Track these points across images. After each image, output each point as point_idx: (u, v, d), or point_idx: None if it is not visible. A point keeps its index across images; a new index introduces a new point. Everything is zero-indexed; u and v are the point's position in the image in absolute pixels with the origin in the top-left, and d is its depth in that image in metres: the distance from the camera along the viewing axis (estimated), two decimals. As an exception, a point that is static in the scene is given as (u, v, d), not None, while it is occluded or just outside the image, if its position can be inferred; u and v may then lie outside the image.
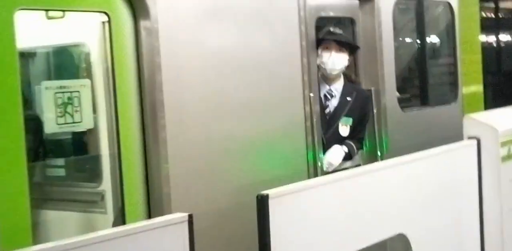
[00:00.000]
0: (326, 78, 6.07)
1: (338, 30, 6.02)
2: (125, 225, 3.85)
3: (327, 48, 5.98)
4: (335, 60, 5.96)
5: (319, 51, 5.94)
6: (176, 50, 4.58)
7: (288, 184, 4.43)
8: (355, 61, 6.41)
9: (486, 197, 5.90)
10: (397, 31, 7.30)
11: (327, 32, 6.00)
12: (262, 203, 3.88)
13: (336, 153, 5.87)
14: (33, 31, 4.56)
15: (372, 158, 6.35)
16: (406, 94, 7.63)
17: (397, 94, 7.34)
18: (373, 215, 4.80)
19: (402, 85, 7.63)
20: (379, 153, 6.36)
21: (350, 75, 6.34)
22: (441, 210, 5.55)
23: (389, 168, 5.11)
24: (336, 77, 6.09)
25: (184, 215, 3.39)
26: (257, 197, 3.90)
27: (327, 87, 6.07)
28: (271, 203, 3.92)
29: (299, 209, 4.18)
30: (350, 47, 6.12)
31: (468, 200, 5.81)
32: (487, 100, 8.61)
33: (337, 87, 6.10)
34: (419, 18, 7.44)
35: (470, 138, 6.00)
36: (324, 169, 5.75)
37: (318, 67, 5.93)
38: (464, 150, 5.93)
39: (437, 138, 6.72)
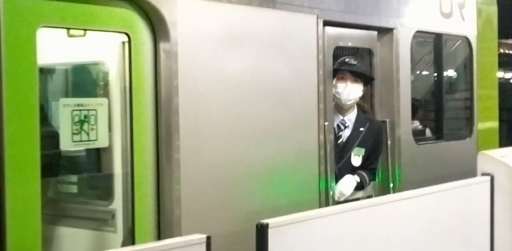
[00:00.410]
0: (340, 108, 6.15)
1: (353, 61, 6.09)
2: (142, 244, 3.88)
3: (342, 79, 6.07)
4: (350, 91, 6.06)
5: (334, 81, 6.02)
6: (194, 74, 4.66)
7: (299, 212, 4.48)
8: (371, 92, 6.50)
9: (498, 234, 5.92)
10: (415, 63, 7.38)
11: (343, 62, 6.09)
12: (262, 232, 3.88)
13: (348, 182, 5.93)
14: (54, 48, 4.66)
15: (384, 189, 6.40)
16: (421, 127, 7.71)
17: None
18: (378, 249, 4.80)
19: (417, 118, 7.70)
20: (391, 185, 6.41)
21: (363, 105, 6.42)
22: (451, 246, 5.56)
23: (401, 200, 5.14)
24: (350, 107, 6.18)
25: (202, 236, 3.42)
26: (256, 226, 3.90)
27: (341, 117, 6.15)
28: (271, 233, 3.92)
29: (299, 239, 4.17)
30: (365, 78, 6.21)
31: (479, 236, 5.83)
32: (502, 137, 8.64)
33: (351, 117, 6.18)
34: (436, 51, 7.51)
35: (483, 174, 6.04)
36: (336, 198, 5.81)
37: (333, 97, 6.00)
38: (477, 186, 5.96)
39: (450, 172, 6.78)
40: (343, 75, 6.08)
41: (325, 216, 4.47)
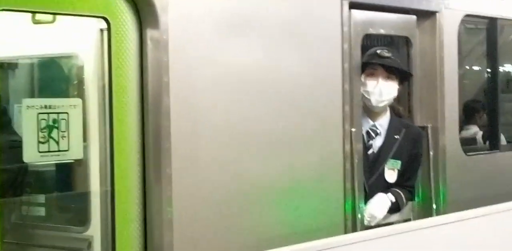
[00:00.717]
0: (369, 111, 6.17)
1: (386, 53, 6.09)
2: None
3: (372, 75, 6.09)
4: (382, 90, 6.07)
5: (362, 78, 6.03)
6: (189, 67, 4.67)
7: (320, 239, 4.47)
8: (408, 91, 6.49)
9: None
10: (463, 55, 7.37)
11: (373, 54, 6.10)
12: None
13: (381, 202, 5.93)
14: (16, 38, 4.67)
15: (426, 211, 6.38)
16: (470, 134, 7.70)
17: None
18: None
19: (467, 123, 7.69)
20: (434, 206, 6.40)
21: (398, 108, 6.42)
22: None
23: (446, 224, 5.14)
24: (382, 110, 6.20)
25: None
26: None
27: (371, 122, 6.17)
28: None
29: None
30: (401, 74, 6.22)
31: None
32: None
33: (383, 122, 6.20)
34: (490, 41, 7.50)
35: (548, 191, 6.04)
36: (365, 222, 5.81)
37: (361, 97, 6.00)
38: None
39: (507, 190, 6.76)
40: (374, 70, 6.10)
41: (347, 244, 4.48)
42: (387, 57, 6.09)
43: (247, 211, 4.97)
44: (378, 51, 6.10)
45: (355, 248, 4.45)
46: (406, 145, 6.16)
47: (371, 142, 6.12)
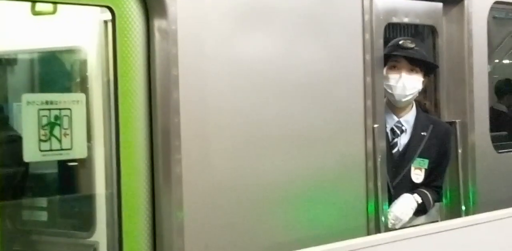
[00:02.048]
0: (393, 107, 6.15)
1: (409, 44, 6.08)
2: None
3: (395, 68, 6.06)
4: (406, 84, 6.04)
5: (385, 71, 6.02)
6: (200, 60, 4.65)
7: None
8: (435, 84, 6.46)
9: None
10: (493, 46, 7.33)
11: (396, 46, 6.09)
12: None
13: (406, 204, 5.91)
14: (14, 31, 4.66)
15: (454, 213, 6.37)
16: (502, 131, 7.66)
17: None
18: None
19: (497, 118, 7.66)
20: (463, 207, 6.38)
21: (424, 102, 6.42)
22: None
23: (476, 225, 5.12)
24: (407, 105, 6.18)
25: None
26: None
27: (395, 118, 6.16)
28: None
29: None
30: (426, 66, 6.19)
31: None
32: None
33: (408, 119, 6.18)
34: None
35: None
36: (389, 224, 5.79)
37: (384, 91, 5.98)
38: None
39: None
40: (396, 63, 6.08)
41: (369, 246, 4.46)
42: (411, 49, 6.07)
43: (263, 213, 4.95)
44: (401, 42, 6.09)
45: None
46: (433, 142, 6.14)
47: (396, 139, 6.10)
